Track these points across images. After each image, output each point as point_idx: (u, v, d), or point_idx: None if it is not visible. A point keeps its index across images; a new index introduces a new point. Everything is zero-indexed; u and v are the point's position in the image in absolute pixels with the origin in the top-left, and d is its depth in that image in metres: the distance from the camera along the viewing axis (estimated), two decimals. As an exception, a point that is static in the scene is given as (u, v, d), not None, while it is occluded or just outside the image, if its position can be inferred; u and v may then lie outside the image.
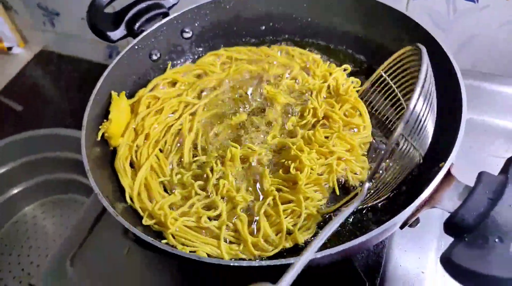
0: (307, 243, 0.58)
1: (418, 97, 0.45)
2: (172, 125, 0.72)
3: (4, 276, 1.15)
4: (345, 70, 0.76)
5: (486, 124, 0.80)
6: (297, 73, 0.77)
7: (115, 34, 0.76)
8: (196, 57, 0.84)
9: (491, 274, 0.40)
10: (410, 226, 0.50)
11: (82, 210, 0.82)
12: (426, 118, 0.47)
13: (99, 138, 0.67)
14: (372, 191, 0.53)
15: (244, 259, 0.56)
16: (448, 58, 0.61)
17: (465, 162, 0.70)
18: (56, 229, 1.22)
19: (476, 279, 0.41)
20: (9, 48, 1.51)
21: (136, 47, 0.75)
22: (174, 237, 0.59)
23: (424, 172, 0.54)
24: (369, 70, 0.77)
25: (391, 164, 0.52)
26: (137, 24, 0.76)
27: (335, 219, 0.46)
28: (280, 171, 0.63)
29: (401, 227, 0.50)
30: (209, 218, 0.60)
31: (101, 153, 0.67)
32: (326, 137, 0.66)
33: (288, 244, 0.57)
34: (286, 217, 0.58)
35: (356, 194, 0.53)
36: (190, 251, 0.57)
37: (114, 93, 0.71)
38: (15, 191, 1.25)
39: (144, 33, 0.75)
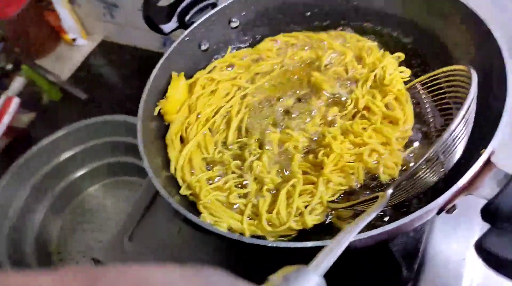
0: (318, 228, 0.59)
1: (461, 120, 0.47)
2: (222, 106, 0.76)
3: (71, 250, 1.26)
4: (398, 58, 0.74)
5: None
6: (348, 61, 0.76)
7: (167, 27, 0.80)
8: (243, 45, 0.86)
9: (523, 262, 0.40)
10: (447, 212, 0.50)
11: (139, 191, 0.88)
12: (460, 141, 0.49)
13: (155, 114, 0.73)
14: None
15: (260, 237, 0.59)
16: (494, 37, 0.59)
17: (510, 150, 0.68)
18: (115, 208, 1.31)
19: (507, 267, 0.41)
20: (74, 39, 1.61)
21: (187, 39, 0.79)
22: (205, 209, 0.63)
23: (464, 158, 0.54)
24: (415, 54, 0.76)
25: (415, 178, 0.52)
26: (188, 16, 0.79)
27: (357, 222, 0.46)
28: (311, 156, 0.64)
29: (438, 213, 0.50)
30: (239, 195, 0.64)
31: (156, 127, 0.73)
32: (364, 129, 0.65)
33: (296, 225, 0.58)
34: (300, 195, 0.60)
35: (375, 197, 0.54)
36: (214, 222, 0.61)
37: (174, 73, 0.77)
38: (80, 173, 1.35)
39: (194, 25, 0.79)
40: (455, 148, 0.50)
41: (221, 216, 0.62)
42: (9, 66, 1.42)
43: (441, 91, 0.64)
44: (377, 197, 0.52)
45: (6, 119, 1.36)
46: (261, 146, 0.68)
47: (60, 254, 1.26)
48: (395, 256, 0.58)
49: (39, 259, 1.21)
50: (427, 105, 0.68)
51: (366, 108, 0.68)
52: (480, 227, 0.65)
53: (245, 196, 0.64)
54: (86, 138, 1.31)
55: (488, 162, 0.48)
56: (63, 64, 1.58)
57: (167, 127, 0.74)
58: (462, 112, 0.48)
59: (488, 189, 0.46)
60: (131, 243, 0.81)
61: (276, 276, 0.33)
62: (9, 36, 1.46)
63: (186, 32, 0.78)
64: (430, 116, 0.67)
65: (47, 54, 1.63)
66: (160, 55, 0.76)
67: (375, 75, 0.71)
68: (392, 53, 0.75)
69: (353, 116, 0.68)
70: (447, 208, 0.50)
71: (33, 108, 1.49)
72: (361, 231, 0.46)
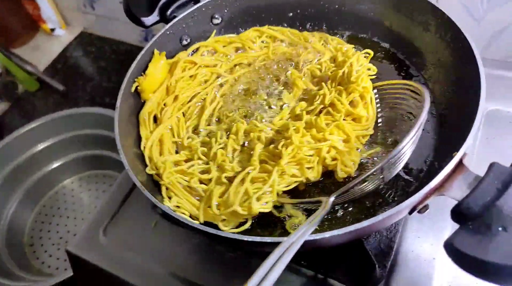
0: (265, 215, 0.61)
1: (409, 140, 0.49)
2: (199, 93, 0.77)
3: (44, 242, 1.24)
4: (368, 55, 0.75)
5: (512, 116, 0.79)
6: (324, 60, 0.77)
7: (148, 20, 0.79)
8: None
9: (490, 261, 0.41)
10: (419, 212, 0.52)
11: (115, 184, 0.87)
12: (404, 158, 0.52)
13: (132, 90, 0.73)
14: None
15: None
16: (469, 45, 0.61)
17: (487, 152, 0.70)
18: (91, 201, 1.30)
19: (476, 265, 0.42)
20: (52, 30, 1.58)
21: (168, 33, 0.78)
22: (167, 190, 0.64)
23: (437, 160, 0.55)
24: (393, 58, 0.78)
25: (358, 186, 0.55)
26: (170, 10, 0.79)
27: (301, 228, 0.47)
28: (271, 146, 0.64)
29: (410, 212, 0.52)
30: (201, 182, 0.65)
31: (132, 104, 0.73)
32: (327, 124, 0.65)
33: (241, 210, 0.58)
34: (254, 182, 0.61)
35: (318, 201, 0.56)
36: (174, 205, 0.62)
37: (156, 51, 0.76)
38: (55, 165, 1.33)
39: (176, 19, 0.78)
40: (398, 164, 0.53)
41: (180, 200, 0.63)
42: (-17, 54, 1.38)
43: (393, 101, 0.67)
44: (319, 201, 0.55)
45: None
46: (228, 135, 0.69)
47: (32, 246, 1.24)
48: (369, 254, 0.59)
49: (10, 250, 1.19)
50: (379, 112, 0.69)
51: (332, 104, 0.68)
52: (450, 227, 0.67)
53: (207, 182, 0.64)
54: (63, 130, 1.29)
55: (459, 164, 0.49)
56: (40, 54, 1.55)
57: (143, 105, 0.75)
58: (411, 133, 0.50)
59: (458, 190, 0.48)
60: (106, 236, 0.80)
61: None
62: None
63: (167, 26, 0.78)
64: (379, 122, 0.69)
65: (24, 43, 1.59)
66: (140, 49, 0.76)
67: (343, 72, 0.71)
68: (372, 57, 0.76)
69: (320, 112, 0.69)
70: (419, 208, 0.51)
71: (8, 97, 1.45)
72: (336, 228, 0.47)
